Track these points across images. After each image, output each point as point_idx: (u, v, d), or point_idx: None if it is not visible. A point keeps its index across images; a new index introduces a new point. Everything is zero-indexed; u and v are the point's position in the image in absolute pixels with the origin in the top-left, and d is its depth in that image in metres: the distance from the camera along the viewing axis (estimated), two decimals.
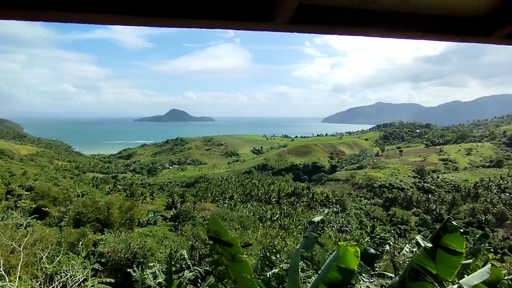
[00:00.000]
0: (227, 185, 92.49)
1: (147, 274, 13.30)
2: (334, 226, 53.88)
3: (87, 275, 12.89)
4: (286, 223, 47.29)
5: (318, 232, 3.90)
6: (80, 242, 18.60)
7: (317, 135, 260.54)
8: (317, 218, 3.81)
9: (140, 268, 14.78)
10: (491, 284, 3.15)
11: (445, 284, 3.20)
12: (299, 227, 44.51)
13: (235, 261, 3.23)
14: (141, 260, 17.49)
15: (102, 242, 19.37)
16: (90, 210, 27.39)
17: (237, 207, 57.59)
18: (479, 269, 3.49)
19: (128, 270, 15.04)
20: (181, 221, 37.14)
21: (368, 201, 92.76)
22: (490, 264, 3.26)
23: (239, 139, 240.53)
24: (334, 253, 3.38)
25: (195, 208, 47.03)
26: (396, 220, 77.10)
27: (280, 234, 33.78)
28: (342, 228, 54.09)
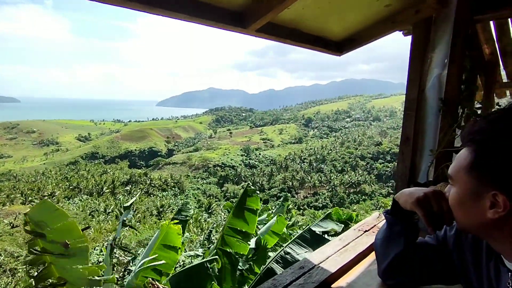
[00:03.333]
0: (46, 180, 76.05)
1: None
2: (174, 209, 54.47)
3: None
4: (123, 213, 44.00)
5: (134, 215, 3.89)
6: None
7: (153, 119, 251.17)
8: (129, 202, 3.79)
9: None
10: (279, 229, 4.11)
11: (250, 236, 3.93)
12: (138, 215, 42.43)
13: (67, 255, 2.73)
14: None
15: None
16: None
17: (61, 205, 48.63)
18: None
19: None
20: None
21: (204, 181, 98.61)
22: (278, 215, 4.23)
23: (58, 125, 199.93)
24: (156, 233, 3.48)
25: None
26: (229, 195, 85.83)
27: (117, 226, 31.15)
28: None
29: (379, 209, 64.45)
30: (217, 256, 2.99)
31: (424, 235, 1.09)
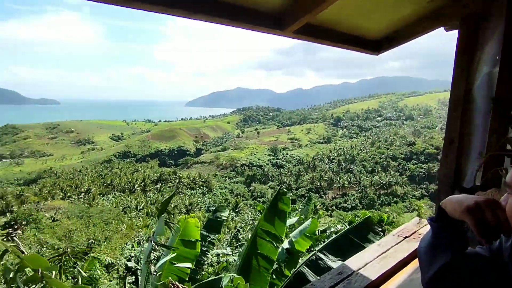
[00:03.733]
0: (82, 177, 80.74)
1: None
2: (202, 207, 55.60)
3: None
4: (153, 210, 45.65)
5: (172, 213, 3.97)
6: None
7: (182, 119, 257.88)
8: (167, 199, 3.86)
9: None
10: (311, 232, 4.05)
11: (280, 239, 3.90)
12: None
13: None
14: None
15: None
16: None
17: (96, 201, 51.46)
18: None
19: None
20: (20, 227, 30.52)
21: (231, 180, 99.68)
22: (311, 218, 4.16)
23: (94, 125, 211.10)
24: (175, 229, 3.54)
25: (40, 209, 39.36)
26: (256, 194, 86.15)
27: (148, 223, 32.40)
28: (209, 208, 56.46)
29: (411, 211, 61.76)
30: (234, 275, 2.96)
31: (474, 245, 1.01)
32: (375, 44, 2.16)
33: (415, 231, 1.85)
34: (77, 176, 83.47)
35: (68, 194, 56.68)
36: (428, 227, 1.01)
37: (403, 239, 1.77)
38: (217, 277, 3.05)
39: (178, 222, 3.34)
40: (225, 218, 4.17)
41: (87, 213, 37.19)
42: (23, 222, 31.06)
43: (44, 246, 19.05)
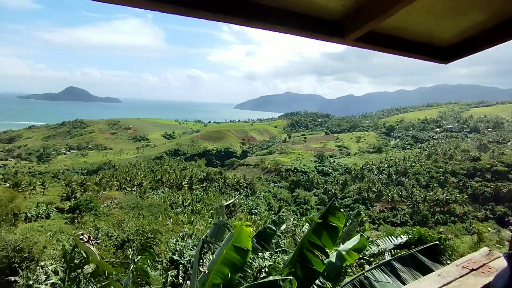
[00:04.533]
0: (136, 171, 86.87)
1: (36, 275, 11.50)
2: (244, 209, 56.28)
3: None
4: (198, 208, 47.30)
5: (227, 216, 4.04)
6: None
7: (230, 121, 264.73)
8: (228, 202, 3.92)
9: (26, 270, 12.69)
10: (359, 249, 3.84)
11: (328, 253, 3.75)
12: (211, 211, 45.10)
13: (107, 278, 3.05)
14: (27, 255, 15.08)
15: None
16: None
17: (147, 195, 54.86)
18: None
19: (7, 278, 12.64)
20: (81, 212, 33.71)
21: (275, 184, 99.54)
22: (360, 234, 3.94)
23: (149, 123, 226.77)
24: (229, 234, 3.55)
25: (99, 197, 43.06)
26: (299, 200, 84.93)
27: (192, 219, 33.66)
28: (252, 211, 56.92)
29: (471, 234, 55.81)
30: (291, 277, 2.89)
31: None
32: (444, 52, 1.95)
33: (484, 264, 1.62)
34: (131, 170, 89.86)
35: (123, 186, 61.11)
36: (502, 261, 0.85)
37: (469, 272, 1.55)
38: (274, 278, 3.03)
39: (233, 228, 3.37)
40: (280, 233, 4.16)
41: (138, 205, 39.69)
42: (84, 209, 34.23)
43: (100, 233, 20.70)
